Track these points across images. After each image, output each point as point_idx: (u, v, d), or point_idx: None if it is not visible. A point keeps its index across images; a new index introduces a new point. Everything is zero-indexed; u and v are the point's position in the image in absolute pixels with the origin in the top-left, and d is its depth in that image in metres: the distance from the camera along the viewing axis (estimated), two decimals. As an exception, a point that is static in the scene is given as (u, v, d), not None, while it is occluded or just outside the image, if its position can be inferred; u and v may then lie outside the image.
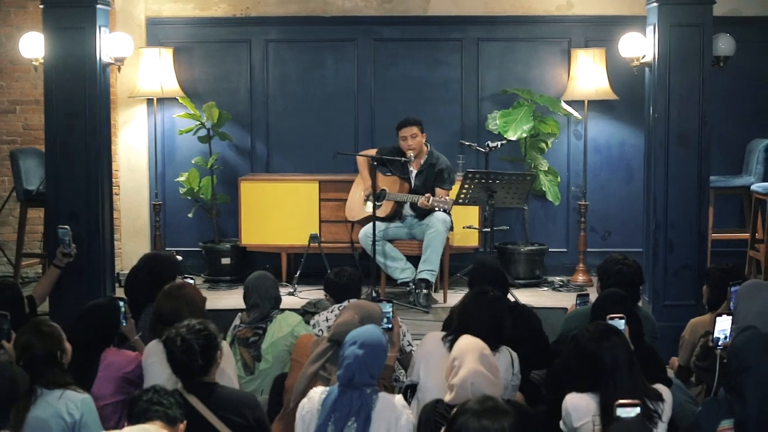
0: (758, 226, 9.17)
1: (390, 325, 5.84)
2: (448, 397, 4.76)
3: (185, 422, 4.48)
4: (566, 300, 8.89)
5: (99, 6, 7.95)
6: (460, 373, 4.73)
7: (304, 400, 4.92)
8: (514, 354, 5.60)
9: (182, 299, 5.74)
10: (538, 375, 6.37)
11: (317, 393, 4.89)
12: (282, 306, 6.70)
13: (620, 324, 5.32)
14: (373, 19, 10.27)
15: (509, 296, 6.81)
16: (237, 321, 6.55)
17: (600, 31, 10.05)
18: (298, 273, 9.22)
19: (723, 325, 5.59)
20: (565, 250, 10.25)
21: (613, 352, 4.81)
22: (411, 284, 8.78)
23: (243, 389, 5.86)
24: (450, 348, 5.43)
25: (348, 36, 10.31)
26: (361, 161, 9.10)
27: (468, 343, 4.91)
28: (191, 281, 6.61)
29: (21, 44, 8.68)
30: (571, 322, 6.43)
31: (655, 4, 7.85)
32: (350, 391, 4.78)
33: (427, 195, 8.56)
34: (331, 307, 6.66)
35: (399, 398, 4.93)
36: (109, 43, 8.22)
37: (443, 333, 5.66)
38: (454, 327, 5.60)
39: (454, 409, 4.19)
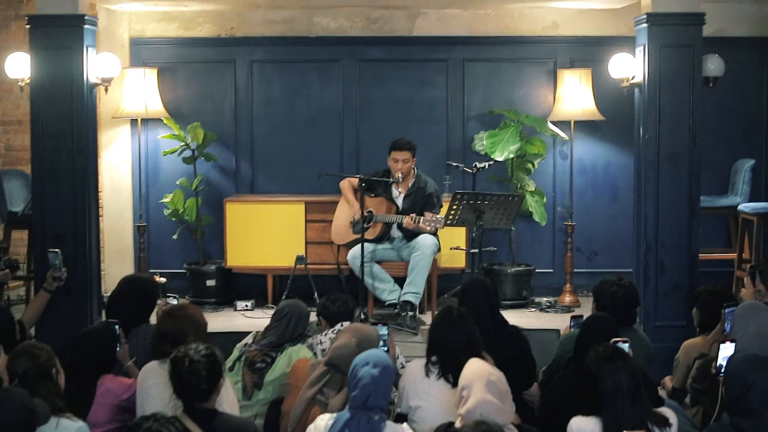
0: (746, 246, 9.19)
1: (386, 348, 5.80)
2: (457, 424, 4.71)
3: (184, 451, 4.43)
4: (554, 321, 8.87)
5: (86, 26, 7.90)
6: (468, 403, 4.69)
7: (311, 427, 4.86)
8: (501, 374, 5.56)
9: (187, 320, 5.70)
10: (531, 396, 6.35)
11: (324, 420, 4.83)
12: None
13: (624, 347, 5.30)
14: (358, 39, 10.24)
15: (503, 317, 6.79)
16: (249, 339, 6.51)
17: (585, 51, 10.07)
18: (284, 295, 9.15)
19: (726, 352, 5.56)
20: (552, 270, 10.22)
21: (615, 376, 4.79)
22: (396, 306, 8.72)
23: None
24: (437, 375, 5.45)
25: (333, 56, 10.28)
26: (345, 185, 9.06)
27: (475, 369, 4.87)
28: (174, 302, 6.60)
29: (7, 64, 8.59)
30: (566, 345, 6.40)
31: (645, 24, 7.88)
32: (359, 417, 4.72)
33: (411, 215, 8.53)
34: (324, 330, 6.63)
35: (405, 427, 4.89)
36: (96, 64, 8.15)
37: (424, 361, 5.65)
38: (429, 352, 5.62)
39: None
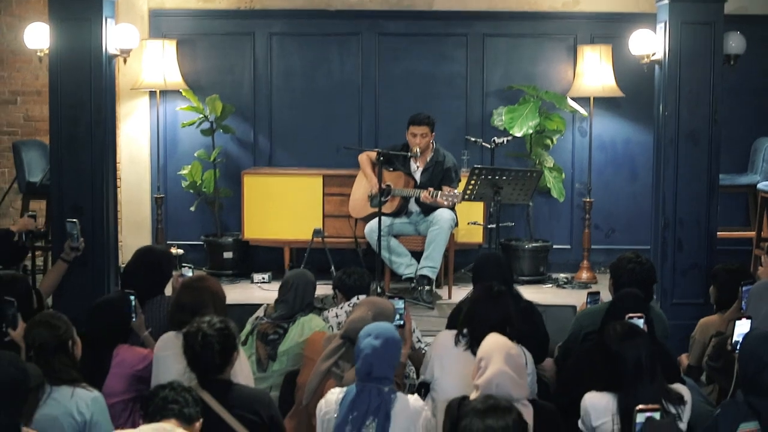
0: (764, 225, 9.15)
1: (402, 322, 5.77)
2: (473, 396, 4.71)
3: (201, 420, 4.43)
4: (571, 297, 8.88)
5: (105, -3, 7.88)
6: (486, 373, 4.68)
7: (322, 402, 4.87)
8: (528, 353, 5.57)
9: (206, 291, 5.71)
10: (544, 371, 6.35)
11: (335, 393, 4.83)
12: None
13: (639, 323, 5.29)
14: (377, 13, 10.20)
15: (518, 292, 6.78)
16: (261, 312, 6.50)
17: (606, 27, 10.01)
18: (301, 268, 9.14)
19: (742, 329, 5.54)
20: (569, 246, 10.21)
21: (636, 352, 4.78)
22: (413, 281, 8.73)
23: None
24: (465, 346, 5.43)
25: (352, 30, 10.24)
26: (363, 159, 9.04)
27: (494, 342, 4.86)
28: (189, 272, 6.60)
29: (26, 35, 8.59)
30: (582, 321, 6.41)
31: (666, 1, 7.82)
32: (368, 389, 4.72)
33: (429, 189, 8.51)
34: (340, 303, 6.63)
35: (416, 398, 4.89)
36: (115, 35, 8.13)
37: (455, 331, 5.62)
38: (462, 324, 5.58)
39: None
